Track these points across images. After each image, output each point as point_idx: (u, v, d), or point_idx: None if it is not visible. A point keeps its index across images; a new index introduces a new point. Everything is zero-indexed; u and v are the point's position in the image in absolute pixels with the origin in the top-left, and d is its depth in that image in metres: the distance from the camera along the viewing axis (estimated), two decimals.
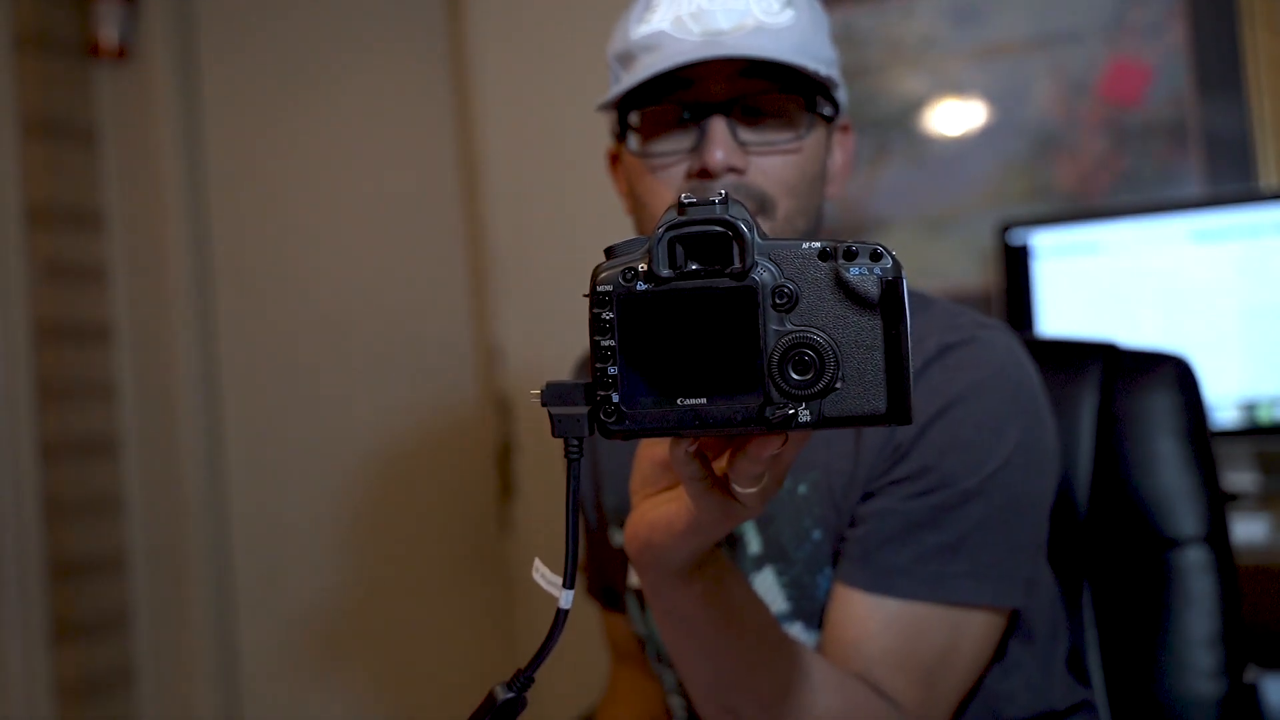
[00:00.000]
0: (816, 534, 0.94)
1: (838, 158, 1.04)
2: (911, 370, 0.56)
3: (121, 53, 2.37)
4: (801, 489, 0.94)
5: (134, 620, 2.38)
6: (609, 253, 0.60)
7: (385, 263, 2.33)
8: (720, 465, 0.66)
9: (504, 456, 2.15)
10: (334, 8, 2.37)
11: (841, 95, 1.00)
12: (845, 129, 1.05)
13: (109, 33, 2.34)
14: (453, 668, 2.24)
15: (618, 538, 1.07)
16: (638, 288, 0.58)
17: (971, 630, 0.89)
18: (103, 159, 2.42)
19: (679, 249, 0.57)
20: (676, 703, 1.04)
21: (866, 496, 0.92)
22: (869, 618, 0.88)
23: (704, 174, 0.92)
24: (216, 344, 2.42)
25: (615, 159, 1.05)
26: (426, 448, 2.28)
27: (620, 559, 1.07)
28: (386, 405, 2.30)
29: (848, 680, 0.85)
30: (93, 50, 2.37)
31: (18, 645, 2.14)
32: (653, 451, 0.73)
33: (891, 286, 0.56)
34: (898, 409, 0.56)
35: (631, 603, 1.06)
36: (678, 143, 0.94)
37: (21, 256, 2.22)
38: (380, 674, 2.31)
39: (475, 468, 2.21)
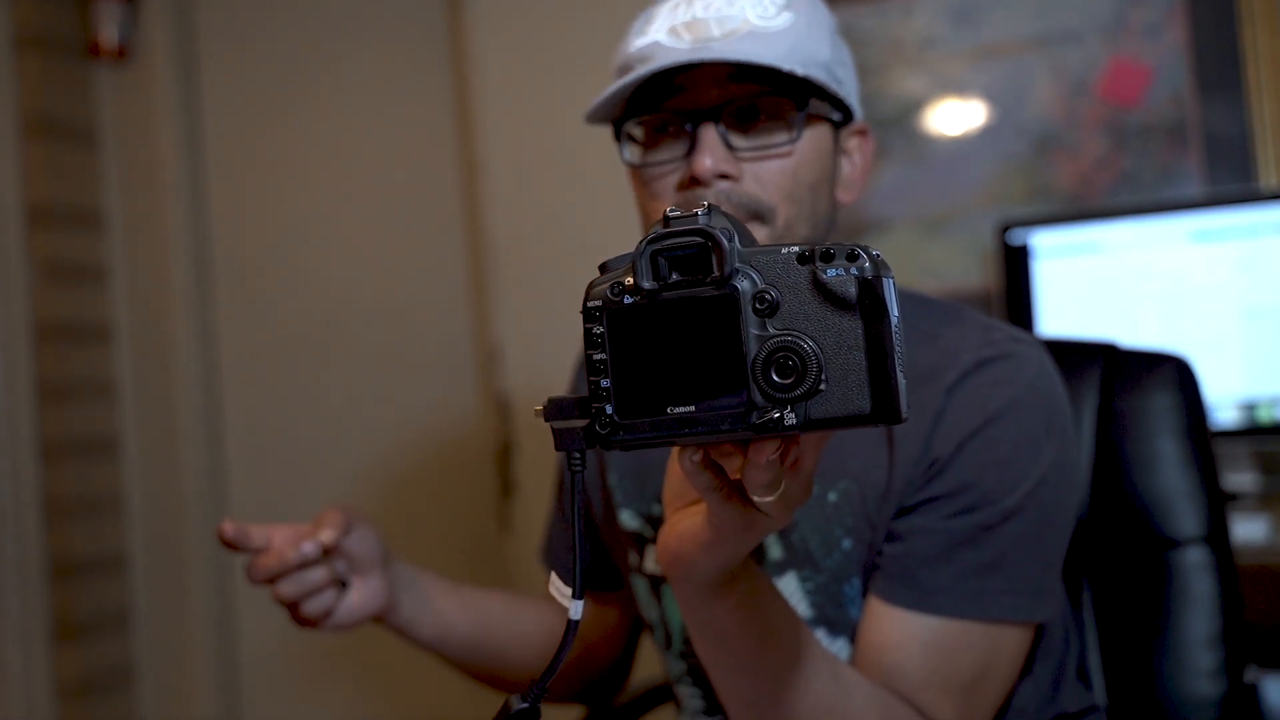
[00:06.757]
0: (846, 543, 0.93)
1: (855, 161, 1.02)
2: (899, 369, 0.56)
3: (121, 53, 2.37)
4: (831, 497, 0.93)
5: (134, 620, 2.38)
6: (602, 269, 0.61)
7: (385, 263, 2.33)
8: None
9: (504, 456, 2.15)
10: (334, 8, 2.37)
11: (850, 96, 0.99)
12: (862, 133, 1.04)
13: (109, 33, 2.34)
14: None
15: (626, 519, 1.06)
16: (625, 301, 0.59)
17: (1007, 646, 0.90)
18: (103, 159, 2.42)
19: (662, 261, 0.59)
20: (687, 692, 1.03)
21: (902, 511, 0.91)
22: (911, 639, 0.87)
23: (694, 182, 0.91)
24: (216, 344, 2.42)
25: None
26: (427, 448, 2.28)
27: (627, 540, 1.06)
28: (387, 405, 2.30)
29: (891, 701, 0.84)
30: (93, 50, 2.37)
31: (18, 645, 2.14)
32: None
33: (868, 286, 0.56)
34: (884, 408, 0.56)
35: (640, 585, 1.06)
36: (671, 151, 0.93)
37: (21, 256, 2.22)
38: (379, 674, 2.31)
39: (475, 468, 2.21)
